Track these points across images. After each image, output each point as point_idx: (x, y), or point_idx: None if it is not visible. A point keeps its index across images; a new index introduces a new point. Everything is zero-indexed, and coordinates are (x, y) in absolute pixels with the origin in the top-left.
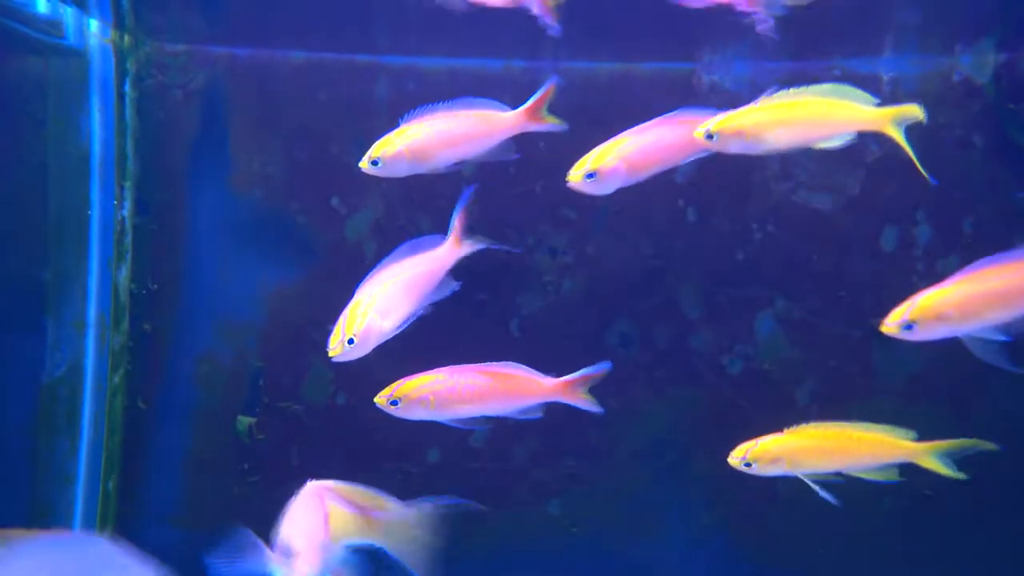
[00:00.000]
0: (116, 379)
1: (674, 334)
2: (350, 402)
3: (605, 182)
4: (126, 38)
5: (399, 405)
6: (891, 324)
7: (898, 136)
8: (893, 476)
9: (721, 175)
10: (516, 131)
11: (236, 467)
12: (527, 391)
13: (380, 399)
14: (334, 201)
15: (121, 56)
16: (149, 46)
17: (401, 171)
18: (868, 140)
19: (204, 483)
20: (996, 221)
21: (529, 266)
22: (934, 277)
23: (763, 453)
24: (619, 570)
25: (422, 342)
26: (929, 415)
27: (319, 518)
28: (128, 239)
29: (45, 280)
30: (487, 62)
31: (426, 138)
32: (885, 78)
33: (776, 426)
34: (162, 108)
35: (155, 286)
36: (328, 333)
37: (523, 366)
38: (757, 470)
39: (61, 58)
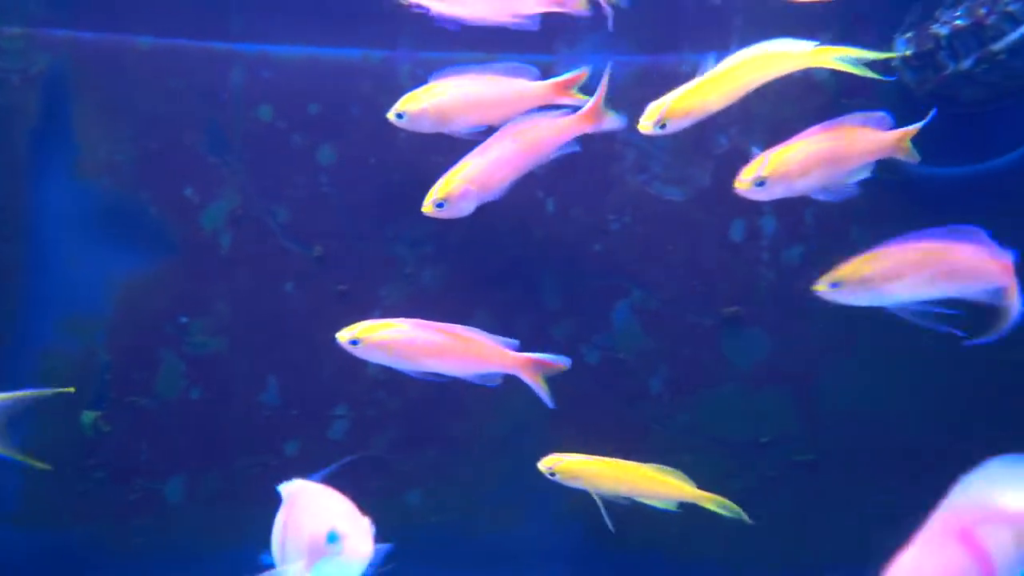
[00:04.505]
0: None
1: (534, 324)
2: (205, 396)
3: (455, 207)
4: None
5: (359, 345)
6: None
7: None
8: (672, 507)
9: (579, 166)
10: (542, 102)
11: (79, 463)
12: (488, 358)
13: (342, 336)
14: (187, 191)
15: None
16: None
17: (425, 128)
18: (716, 132)
19: (45, 479)
20: (835, 213)
21: (390, 257)
22: (779, 266)
23: (565, 470)
24: (481, 557)
25: (283, 330)
26: (773, 398)
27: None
28: None
29: None
30: (345, 51)
31: (451, 99)
32: None
33: (631, 415)
34: None
35: None
36: (182, 325)
37: (487, 333)
38: (560, 480)
39: None
